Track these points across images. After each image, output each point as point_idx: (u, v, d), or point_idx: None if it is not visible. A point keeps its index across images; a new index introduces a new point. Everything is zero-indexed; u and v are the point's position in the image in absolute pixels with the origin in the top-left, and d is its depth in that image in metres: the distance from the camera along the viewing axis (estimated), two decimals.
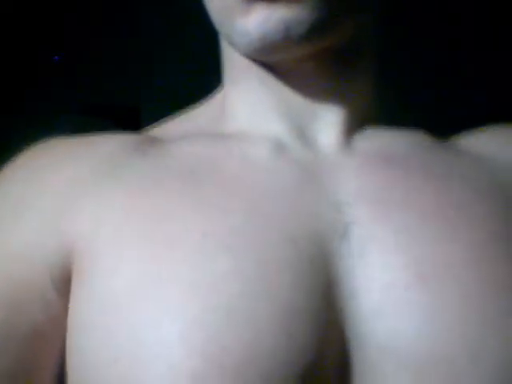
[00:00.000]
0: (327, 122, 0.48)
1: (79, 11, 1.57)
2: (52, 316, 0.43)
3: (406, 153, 0.48)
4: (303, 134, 0.48)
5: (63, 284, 0.43)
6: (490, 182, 0.47)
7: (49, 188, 0.46)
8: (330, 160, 0.47)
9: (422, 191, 0.45)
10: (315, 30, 0.43)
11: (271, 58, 0.47)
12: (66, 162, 0.47)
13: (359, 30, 0.48)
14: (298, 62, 0.47)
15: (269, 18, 0.43)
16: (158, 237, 0.42)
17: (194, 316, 0.39)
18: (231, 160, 0.46)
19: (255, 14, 0.43)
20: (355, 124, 0.48)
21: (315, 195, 0.44)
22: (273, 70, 0.48)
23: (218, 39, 0.52)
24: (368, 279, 0.41)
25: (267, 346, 0.38)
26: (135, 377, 0.39)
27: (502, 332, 0.40)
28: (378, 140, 0.48)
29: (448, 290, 0.41)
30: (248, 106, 0.49)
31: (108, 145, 0.49)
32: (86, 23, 1.57)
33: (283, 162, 0.46)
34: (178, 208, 0.43)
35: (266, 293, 0.40)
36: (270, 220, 0.43)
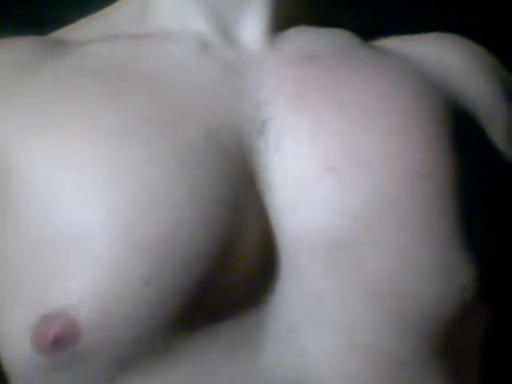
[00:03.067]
0: (252, 19, 0.47)
1: None
2: None
3: (330, 50, 0.48)
4: (228, 32, 0.47)
5: None
6: (414, 77, 0.47)
7: None
8: (253, 58, 0.46)
9: (342, 84, 0.45)
10: None
11: None
12: None
13: None
14: None
15: None
16: (72, 129, 0.41)
17: (113, 204, 0.39)
18: (150, 58, 0.46)
19: None
20: (281, 22, 0.48)
21: (236, 92, 0.44)
22: None
23: None
24: (283, 173, 0.42)
25: (188, 234, 0.38)
26: (56, 267, 0.38)
27: (401, 217, 0.41)
28: (304, 39, 0.48)
29: (357, 179, 0.41)
30: (171, 3, 0.48)
31: (14, 48, 0.47)
32: None
33: (205, 59, 0.46)
34: (93, 102, 0.42)
35: (185, 182, 0.40)
36: (187, 114, 0.42)
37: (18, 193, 0.40)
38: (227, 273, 0.39)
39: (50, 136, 0.41)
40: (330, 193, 0.41)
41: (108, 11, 0.52)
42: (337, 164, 0.42)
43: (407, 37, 0.52)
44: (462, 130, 0.46)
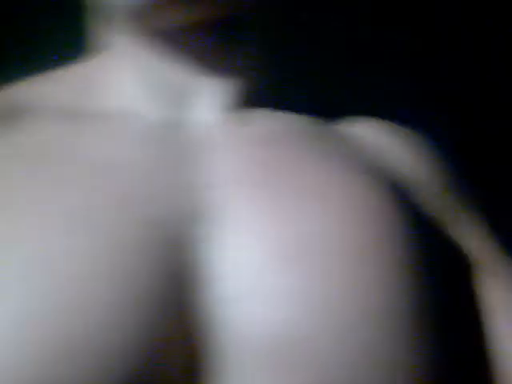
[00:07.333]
0: (204, 101, 0.46)
1: None
2: None
3: (281, 136, 0.47)
4: (176, 112, 0.46)
5: None
6: (366, 166, 0.47)
7: None
8: (201, 141, 0.45)
9: (291, 172, 0.44)
10: None
11: (156, 21, 0.45)
12: None
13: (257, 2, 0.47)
14: (180, 32, 0.45)
15: None
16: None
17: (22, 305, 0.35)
18: (97, 140, 0.43)
19: None
20: (234, 104, 0.47)
21: (178, 177, 0.42)
22: (152, 42, 0.46)
23: None
24: (224, 264, 0.39)
25: (99, 339, 0.35)
26: None
27: (353, 306, 0.39)
28: (257, 122, 0.47)
29: (304, 270, 0.39)
30: (118, 82, 0.47)
31: None
32: None
33: (149, 142, 0.44)
34: (19, 190, 0.40)
35: (118, 281, 0.37)
36: (122, 201, 0.40)
37: None
38: (159, 371, 0.36)
39: None
40: (276, 284, 0.39)
41: (52, 78, 0.50)
42: (282, 253, 0.39)
43: (345, 120, 0.51)
44: (405, 212, 0.45)
